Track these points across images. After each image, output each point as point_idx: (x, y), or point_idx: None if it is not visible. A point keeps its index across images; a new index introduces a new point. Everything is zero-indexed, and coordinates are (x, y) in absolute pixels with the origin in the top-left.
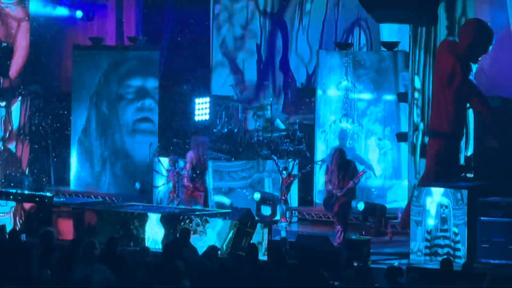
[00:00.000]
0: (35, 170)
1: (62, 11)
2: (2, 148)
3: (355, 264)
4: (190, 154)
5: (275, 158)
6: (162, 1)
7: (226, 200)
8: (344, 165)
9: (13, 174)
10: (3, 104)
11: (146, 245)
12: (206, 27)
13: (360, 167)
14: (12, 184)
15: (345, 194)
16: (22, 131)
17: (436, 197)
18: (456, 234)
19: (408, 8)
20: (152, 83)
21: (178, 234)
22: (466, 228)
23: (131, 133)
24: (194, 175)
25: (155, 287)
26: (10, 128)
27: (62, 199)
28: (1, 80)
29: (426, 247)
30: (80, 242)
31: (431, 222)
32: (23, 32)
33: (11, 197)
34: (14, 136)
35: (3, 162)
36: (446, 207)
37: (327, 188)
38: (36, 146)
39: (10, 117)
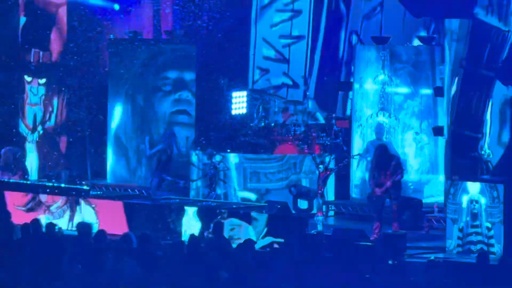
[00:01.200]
0: (72, 163)
1: (100, 2)
2: (41, 132)
3: (390, 262)
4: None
5: (312, 152)
6: None
7: (252, 196)
8: (387, 161)
9: (51, 165)
10: (43, 81)
11: (182, 238)
12: (244, 19)
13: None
14: (50, 176)
15: (386, 190)
16: (58, 123)
17: (472, 194)
18: (489, 229)
19: (444, 2)
20: (189, 76)
21: (212, 227)
22: (503, 227)
23: (168, 125)
24: None
25: (192, 279)
26: (50, 109)
27: (98, 192)
28: (41, 54)
29: (459, 245)
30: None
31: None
32: (61, 18)
33: (48, 190)
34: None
35: (42, 153)
36: (477, 202)
37: (369, 183)
38: (71, 139)
39: (52, 97)
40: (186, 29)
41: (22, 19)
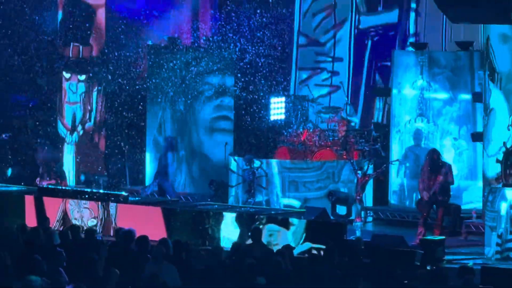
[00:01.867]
0: (110, 169)
1: (138, 7)
2: (81, 133)
3: (428, 267)
4: None
5: (351, 158)
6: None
7: (295, 203)
8: (438, 167)
9: (89, 170)
10: (83, 78)
11: (221, 244)
12: (286, 26)
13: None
14: (89, 181)
15: (436, 193)
16: (98, 124)
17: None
18: None
19: (482, 7)
20: (229, 82)
21: (250, 233)
22: None
23: (209, 131)
24: None
25: (230, 286)
26: (89, 108)
27: (137, 198)
28: (81, 49)
29: (497, 251)
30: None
31: None
32: (100, 19)
33: (86, 196)
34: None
35: (81, 155)
36: None
37: (419, 189)
38: (110, 144)
39: (91, 95)
40: (225, 34)
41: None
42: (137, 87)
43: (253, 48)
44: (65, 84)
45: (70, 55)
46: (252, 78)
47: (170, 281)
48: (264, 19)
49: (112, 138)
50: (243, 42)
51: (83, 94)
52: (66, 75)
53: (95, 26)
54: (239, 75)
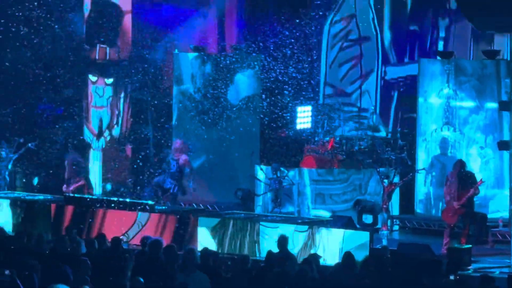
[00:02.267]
0: (136, 176)
1: (165, 16)
2: (108, 138)
3: (451, 277)
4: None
5: (377, 167)
6: (263, 9)
7: (326, 214)
8: (465, 177)
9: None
10: (110, 81)
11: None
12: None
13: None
14: (115, 190)
15: (464, 204)
16: (124, 130)
17: None
18: None
19: (508, 16)
20: (255, 90)
21: (277, 242)
22: None
23: (235, 139)
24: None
25: None
26: (117, 112)
27: (163, 207)
28: (108, 51)
29: None
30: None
31: None
32: (127, 24)
33: (113, 205)
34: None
35: (108, 162)
36: None
37: (445, 199)
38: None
39: (118, 99)
40: (251, 43)
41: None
42: (163, 94)
43: (279, 57)
44: (91, 88)
45: (97, 57)
46: (277, 87)
47: None
48: (291, 32)
49: (139, 146)
50: (269, 51)
51: (110, 98)
52: (93, 78)
53: (122, 30)
54: (264, 84)
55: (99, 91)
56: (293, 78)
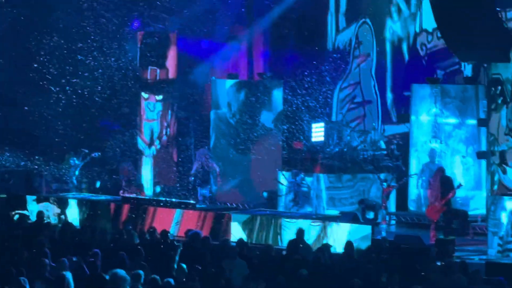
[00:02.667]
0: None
1: (203, 47)
2: (158, 147)
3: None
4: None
5: (377, 172)
6: (286, 42)
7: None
8: (445, 181)
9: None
10: (160, 97)
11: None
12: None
13: (456, 182)
14: (164, 192)
15: (446, 204)
16: (171, 139)
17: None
18: None
19: (487, 49)
20: (279, 108)
21: (296, 233)
22: None
23: (262, 149)
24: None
25: (280, 276)
26: (166, 124)
27: (203, 206)
28: (158, 72)
29: (498, 251)
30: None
31: None
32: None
33: (161, 204)
34: (168, 137)
35: (158, 166)
36: None
37: (430, 200)
38: (180, 159)
39: (167, 113)
40: (275, 71)
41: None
42: (202, 112)
43: (298, 82)
44: (143, 103)
45: (148, 77)
46: (295, 107)
47: (241, 272)
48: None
49: (183, 153)
50: (290, 77)
51: (160, 112)
52: (145, 95)
53: (170, 54)
54: (285, 104)
55: (150, 106)
56: (310, 101)
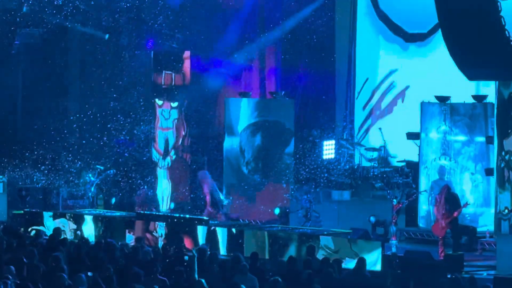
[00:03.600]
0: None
1: (215, 70)
2: (174, 157)
3: (449, 276)
4: (205, 188)
5: (387, 189)
6: (296, 62)
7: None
8: (451, 199)
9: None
10: (175, 104)
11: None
12: (331, 85)
13: (463, 200)
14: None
15: (451, 222)
16: (186, 150)
17: None
18: None
19: (494, 67)
20: (289, 125)
21: (306, 250)
22: None
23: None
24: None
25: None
26: (183, 133)
27: (216, 222)
28: (173, 76)
29: None
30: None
31: None
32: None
33: (175, 220)
34: (186, 146)
35: (173, 179)
36: None
37: (436, 216)
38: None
39: (183, 120)
40: (286, 89)
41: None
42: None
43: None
44: (158, 111)
45: (163, 82)
46: (307, 125)
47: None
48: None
49: (195, 170)
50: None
51: (176, 120)
52: (159, 102)
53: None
54: (296, 123)
55: (165, 114)
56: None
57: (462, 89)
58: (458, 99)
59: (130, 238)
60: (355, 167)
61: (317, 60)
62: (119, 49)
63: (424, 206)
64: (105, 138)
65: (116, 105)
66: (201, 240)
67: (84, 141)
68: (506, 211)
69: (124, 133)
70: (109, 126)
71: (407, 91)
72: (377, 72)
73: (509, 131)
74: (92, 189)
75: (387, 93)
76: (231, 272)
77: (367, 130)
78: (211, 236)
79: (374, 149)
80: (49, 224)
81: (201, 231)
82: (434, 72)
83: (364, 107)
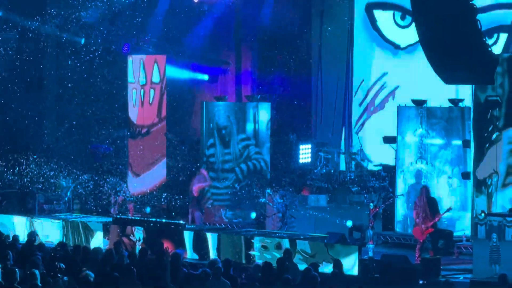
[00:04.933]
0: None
1: (191, 75)
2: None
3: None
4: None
5: (364, 193)
6: (272, 66)
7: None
8: (431, 202)
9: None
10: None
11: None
12: (308, 88)
13: (440, 204)
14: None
15: (432, 225)
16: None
17: None
18: None
19: (471, 71)
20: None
21: (282, 253)
22: None
23: (251, 171)
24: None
25: None
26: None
27: (192, 226)
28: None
29: None
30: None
31: None
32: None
33: (151, 224)
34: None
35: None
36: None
37: (415, 220)
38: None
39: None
40: (262, 92)
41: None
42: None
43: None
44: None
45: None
46: (283, 128)
47: None
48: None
49: (173, 176)
50: (277, 99)
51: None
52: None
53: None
54: (272, 126)
55: None
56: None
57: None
58: (442, 102)
59: (105, 243)
60: (332, 171)
61: (294, 63)
62: (94, 54)
63: (401, 210)
64: (81, 143)
65: (92, 110)
66: (180, 244)
67: (60, 146)
68: (483, 214)
69: (100, 137)
70: (85, 130)
71: (396, 91)
72: (371, 74)
73: (486, 134)
74: (68, 193)
75: (379, 92)
76: (203, 278)
77: (363, 124)
78: (198, 241)
79: (351, 153)
80: (24, 229)
81: (187, 236)
82: (421, 74)
83: (360, 104)
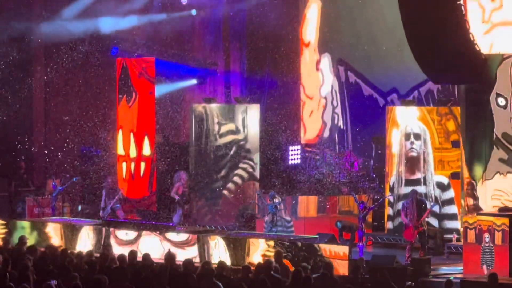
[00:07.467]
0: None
1: (181, 77)
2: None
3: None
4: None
5: (354, 194)
6: (261, 67)
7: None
8: (419, 203)
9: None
10: None
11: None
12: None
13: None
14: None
15: (421, 224)
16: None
17: None
18: None
19: (459, 71)
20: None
21: (274, 256)
22: None
23: (238, 172)
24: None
25: None
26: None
27: (182, 228)
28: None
29: None
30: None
31: None
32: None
33: (142, 227)
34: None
35: None
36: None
37: (404, 221)
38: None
39: None
40: (251, 94)
41: None
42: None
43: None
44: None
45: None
46: (272, 130)
47: None
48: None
49: (163, 179)
50: (266, 101)
51: None
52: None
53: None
54: (262, 127)
55: None
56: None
57: None
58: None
59: (95, 246)
60: (322, 172)
61: (282, 65)
62: (83, 56)
63: (391, 210)
64: (69, 146)
65: (81, 112)
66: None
67: (48, 150)
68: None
69: (89, 141)
70: (74, 133)
71: None
72: None
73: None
74: (59, 196)
75: None
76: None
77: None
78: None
79: (340, 153)
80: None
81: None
82: None
83: None
